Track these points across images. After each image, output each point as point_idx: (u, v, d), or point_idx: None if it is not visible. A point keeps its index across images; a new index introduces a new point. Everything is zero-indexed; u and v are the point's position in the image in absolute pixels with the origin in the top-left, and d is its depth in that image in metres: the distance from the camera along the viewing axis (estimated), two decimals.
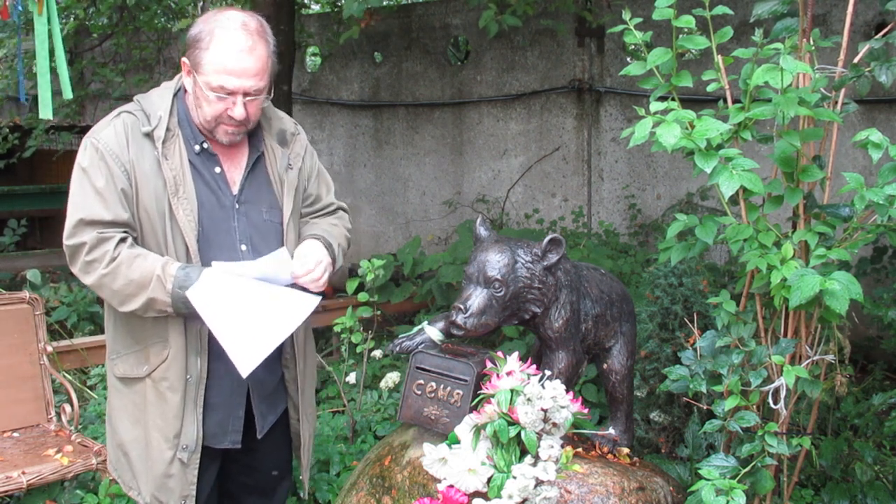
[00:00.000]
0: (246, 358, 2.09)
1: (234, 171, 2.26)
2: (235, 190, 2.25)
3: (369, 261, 3.75)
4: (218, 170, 2.23)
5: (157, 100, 2.21)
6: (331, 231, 2.38)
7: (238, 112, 2.14)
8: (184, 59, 2.16)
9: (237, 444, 2.31)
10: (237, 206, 2.24)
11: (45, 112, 3.02)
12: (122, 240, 2.10)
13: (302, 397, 2.41)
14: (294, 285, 2.24)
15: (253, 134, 2.29)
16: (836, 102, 2.26)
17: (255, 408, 2.32)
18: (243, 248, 2.23)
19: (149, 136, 2.15)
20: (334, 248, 2.34)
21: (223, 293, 2.08)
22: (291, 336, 2.29)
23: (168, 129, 2.16)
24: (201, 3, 6.43)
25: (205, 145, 2.21)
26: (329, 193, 2.47)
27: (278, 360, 2.35)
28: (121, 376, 2.26)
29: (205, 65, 2.10)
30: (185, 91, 2.23)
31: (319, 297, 2.25)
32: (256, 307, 2.12)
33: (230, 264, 2.13)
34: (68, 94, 3.03)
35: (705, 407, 2.41)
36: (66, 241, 2.12)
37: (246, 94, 2.13)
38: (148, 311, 2.12)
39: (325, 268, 2.26)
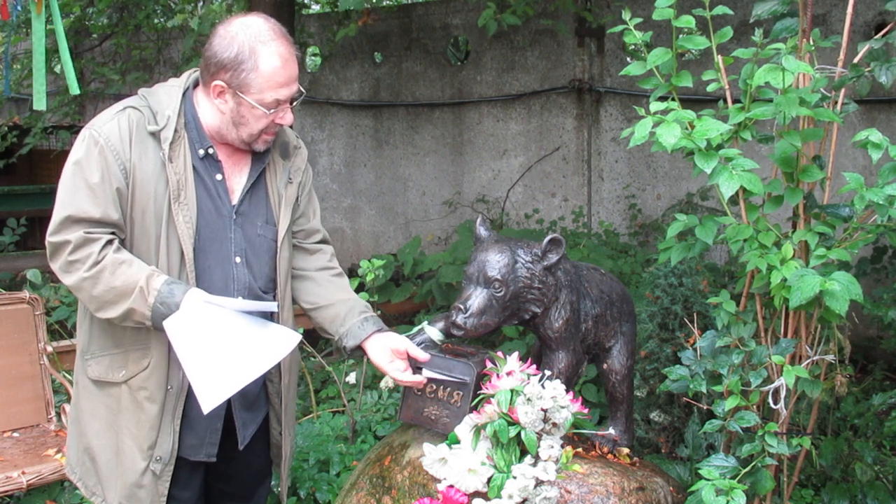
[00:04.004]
0: (211, 394, 1.99)
1: (235, 179, 2.20)
2: (235, 200, 2.18)
3: (369, 261, 3.74)
4: (219, 177, 2.16)
5: (165, 98, 2.12)
6: (362, 303, 2.37)
7: (289, 118, 2.13)
8: (216, 83, 2.07)
9: (212, 458, 2.24)
10: (234, 216, 2.18)
11: (39, 104, 3.05)
12: (109, 242, 2.02)
13: (285, 411, 2.36)
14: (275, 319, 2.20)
15: None
16: (836, 102, 2.26)
17: (236, 419, 2.25)
18: (238, 259, 2.18)
19: (154, 135, 2.07)
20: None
21: (200, 324, 2.00)
22: None
23: (175, 131, 2.08)
24: (200, 2, 6.43)
25: (210, 150, 2.14)
26: (316, 217, 2.42)
27: None
28: (95, 379, 2.17)
29: (256, 85, 2.05)
30: (195, 96, 2.16)
31: (300, 336, 2.20)
32: (233, 341, 2.04)
33: (215, 297, 2.06)
34: (75, 89, 3.03)
35: (705, 407, 2.40)
36: (50, 238, 2.04)
37: (293, 100, 2.13)
38: (125, 321, 2.04)
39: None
